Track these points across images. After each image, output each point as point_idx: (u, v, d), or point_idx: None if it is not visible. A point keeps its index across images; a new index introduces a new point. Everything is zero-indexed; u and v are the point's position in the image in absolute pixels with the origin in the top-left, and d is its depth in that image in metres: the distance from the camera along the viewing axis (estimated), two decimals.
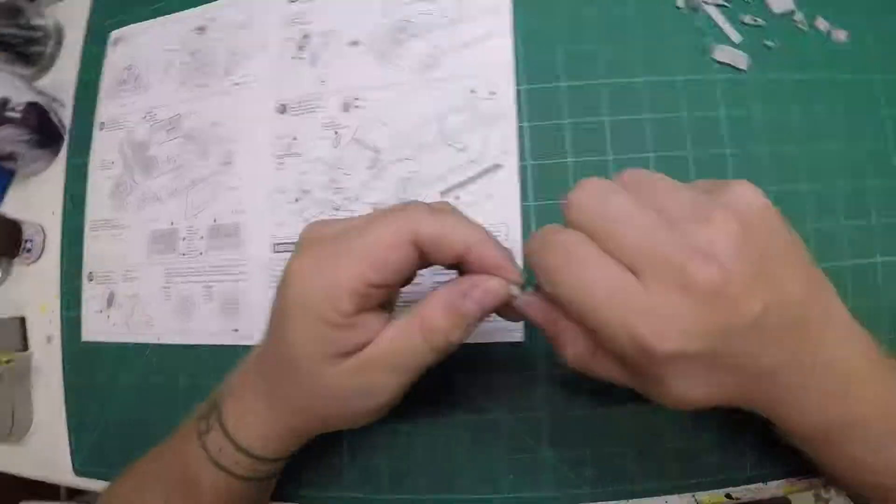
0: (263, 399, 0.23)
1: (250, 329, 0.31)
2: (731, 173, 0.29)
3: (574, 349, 0.20)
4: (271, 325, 0.22)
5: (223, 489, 0.24)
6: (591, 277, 0.17)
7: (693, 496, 0.28)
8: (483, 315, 0.20)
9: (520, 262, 0.27)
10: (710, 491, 0.28)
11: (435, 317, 0.20)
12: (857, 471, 0.20)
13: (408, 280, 0.24)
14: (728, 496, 0.28)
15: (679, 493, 0.28)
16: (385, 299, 0.21)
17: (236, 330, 0.32)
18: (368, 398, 0.21)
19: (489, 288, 0.20)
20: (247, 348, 0.32)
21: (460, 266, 0.21)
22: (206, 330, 0.32)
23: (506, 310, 0.21)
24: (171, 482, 0.24)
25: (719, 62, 0.30)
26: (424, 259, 0.20)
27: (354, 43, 0.32)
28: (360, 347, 0.20)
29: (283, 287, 0.21)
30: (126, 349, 0.34)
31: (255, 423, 0.23)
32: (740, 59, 0.30)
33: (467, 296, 0.20)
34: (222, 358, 0.32)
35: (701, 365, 0.18)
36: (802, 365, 0.19)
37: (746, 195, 0.18)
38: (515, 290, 0.20)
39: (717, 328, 0.17)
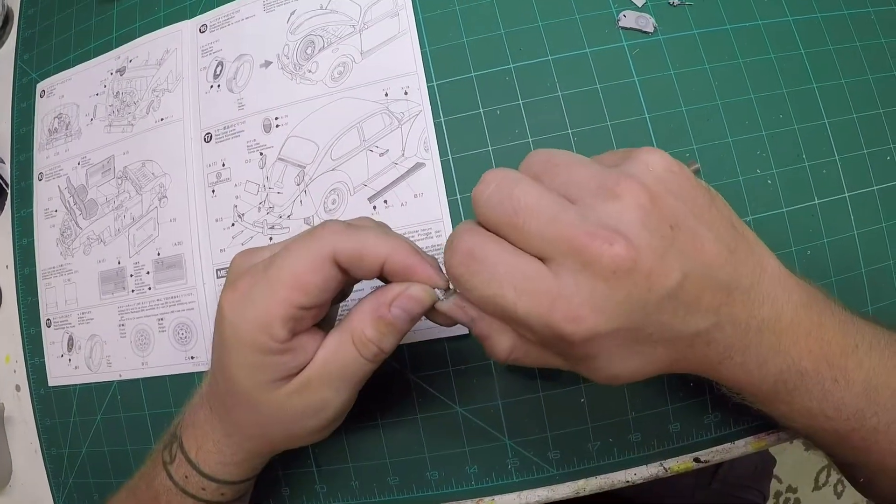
0: (219, 427, 0.24)
1: (206, 355, 0.32)
2: (654, 137, 0.29)
3: (502, 346, 0.20)
4: (213, 358, 0.23)
5: None
6: (495, 275, 0.17)
7: (661, 464, 0.29)
8: (411, 321, 0.20)
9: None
10: (677, 458, 0.29)
11: (364, 328, 0.20)
12: (812, 419, 0.21)
13: (343, 295, 0.25)
14: (696, 460, 0.29)
15: (646, 463, 0.29)
16: (319, 318, 0.21)
17: (192, 357, 0.32)
18: (314, 416, 0.22)
19: (412, 294, 0.20)
20: (204, 374, 0.33)
21: (385, 278, 0.21)
22: (163, 362, 0.33)
23: (434, 314, 0.21)
24: None
25: (625, 28, 0.30)
26: (348, 275, 0.20)
27: (266, 63, 0.32)
28: (301, 369, 0.21)
29: (218, 322, 0.21)
30: (91, 389, 0.35)
31: (214, 451, 0.24)
32: (646, 22, 0.30)
33: (393, 304, 0.20)
34: (183, 386, 0.33)
35: (623, 340, 0.18)
36: (737, 325, 0.19)
37: (652, 162, 0.18)
38: (439, 294, 0.20)
39: (632, 303, 0.17)
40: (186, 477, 0.24)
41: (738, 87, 0.29)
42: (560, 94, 0.30)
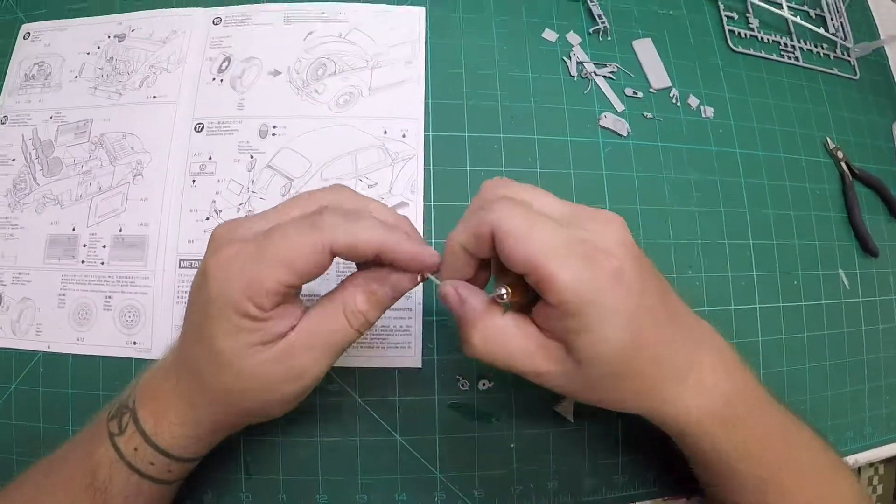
0: (185, 397, 0.21)
1: (150, 343, 0.29)
2: None
3: (476, 336, 0.20)
4: (189, 322, 0.21)
5: (133, 493, 0.22)
6: (547, 228, 0.19)
7: None
8: (395, 299, 0.21)
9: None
10: None
11: (357, 301, 0.21)
12: (741, 461, 0.22)
13: None
14: None
15: None
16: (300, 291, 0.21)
17: (136, 343, 0.29)
18: (295, 381, 0.21)
19: (401, 278, 0.21)
20: (144, 362, 0.30)
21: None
22: (102, 342, 0.30)
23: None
24: (77, 488, 0.22)
25: (603, 127, 0.32)
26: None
27: (275, 72, 0.31)
28: (279, 336, 0.20)
29: (200, 285, 0.20)
30: (11, 355, 0.30)
31: (176, 423, 0.22)
32: (622, 126, 0.32)
33: (383, 282, 0.21)
34: (119, 371, 0.29)
35: (615, 329, 0.19)
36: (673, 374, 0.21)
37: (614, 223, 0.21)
38: (422, 279, 0.21)
39: (622, 302, 0.19)
40: (136, 450, 0.22)
41: (686, 198, 0.32)
42: (538, 170, 0.31)
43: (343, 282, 0.21)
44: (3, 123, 0.33)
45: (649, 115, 0.33)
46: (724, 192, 0.33)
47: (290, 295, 0.20)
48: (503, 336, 0.20)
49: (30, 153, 0.32)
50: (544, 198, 0.21)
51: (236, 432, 0.23)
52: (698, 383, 0.22)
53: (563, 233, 0.19)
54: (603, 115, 0.32)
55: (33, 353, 0.30)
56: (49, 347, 0.30)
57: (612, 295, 0.19)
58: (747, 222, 0.33)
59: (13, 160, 0.33)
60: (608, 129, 0.32)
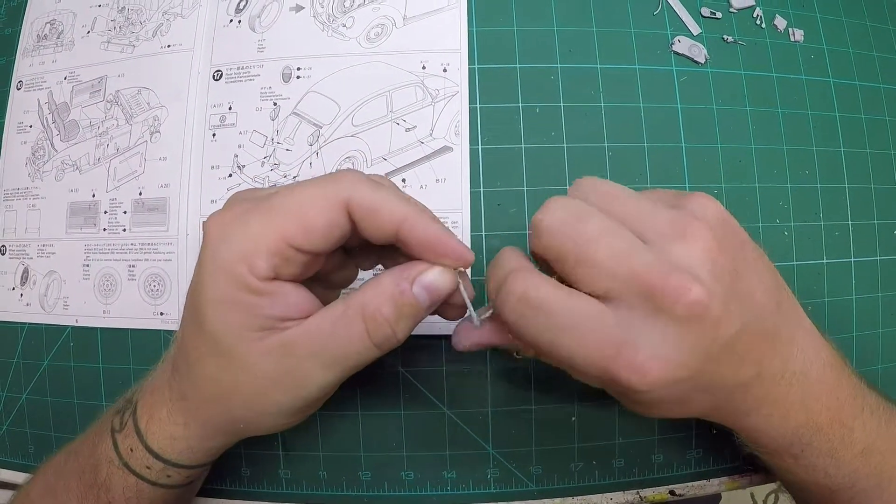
0: (177, 388, 0.17)
1: (176, 313, 0.25)
2: (687, 168, 0.25)
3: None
4: (186, 300, 0.17)
5: (133, 495, 0.18)
6: (552, 322, 0.14)
7: (638, 493, 0.25)
8: (431, 306, 0.16)
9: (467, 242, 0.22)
10: (654, 488, 0.25)
11: (379, 303, 0.15)
12: (812, 475, 0.18)
13: (346, 279, 0.19)
14: (672, 493, 0.25)
15: (624, 489, 0.25)
16: (307, 274, 0.16)
17: (162, 314, 0.25)
18: (289, 391, 0.16)
19: (438, 273, 0.16)
20: (173, 334, 0.26)
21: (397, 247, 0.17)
22: (128, 313, 0.26)
23: (446, 308, 0.17)
24: (84, 484, 0.18)
25: (677, 53, 0.25)
26: (357, 232, 0.16)
27: (297, 7, 0.25)
28: (280, 321, 0.15)
29: (201, 248, 0.16)
30: (42, 331, 0.27)
31: (166, 421, 0.17)
32: (698, 52, 0.25)
33: (416, 281, 0.15)
34: (147, 343, 0.26)
35: (681, 389, 0.15)
36: (773, 376, 0.16)
37: (710, 208, 0.15)
38: (462, 289, 0.16)
39: (697, 353, 0.14)
40: (131, 450, 0.18)
41: (773, 136, 0.25)
42: (602, 104, 0.25)
43: (366, 282, 0.16)
44: (19, 89, 0.29)
45: (730, 39, 0.26)
46: (816, 128, 0.26)
47: (295, 265, 0.15)
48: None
49: (46, 118, 0.28)
50: (607, 231, 0.15)
51: (231, 445, 0.19)
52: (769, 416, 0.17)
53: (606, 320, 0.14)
54: (676, 39, 0.25)
55: (63, 327, 0.27)
56: (77, 322, 0.27)
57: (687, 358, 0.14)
58: (842, 163, 0.26)
59: (30, 127, 0.29)
60: (682, 55, 0.25)
